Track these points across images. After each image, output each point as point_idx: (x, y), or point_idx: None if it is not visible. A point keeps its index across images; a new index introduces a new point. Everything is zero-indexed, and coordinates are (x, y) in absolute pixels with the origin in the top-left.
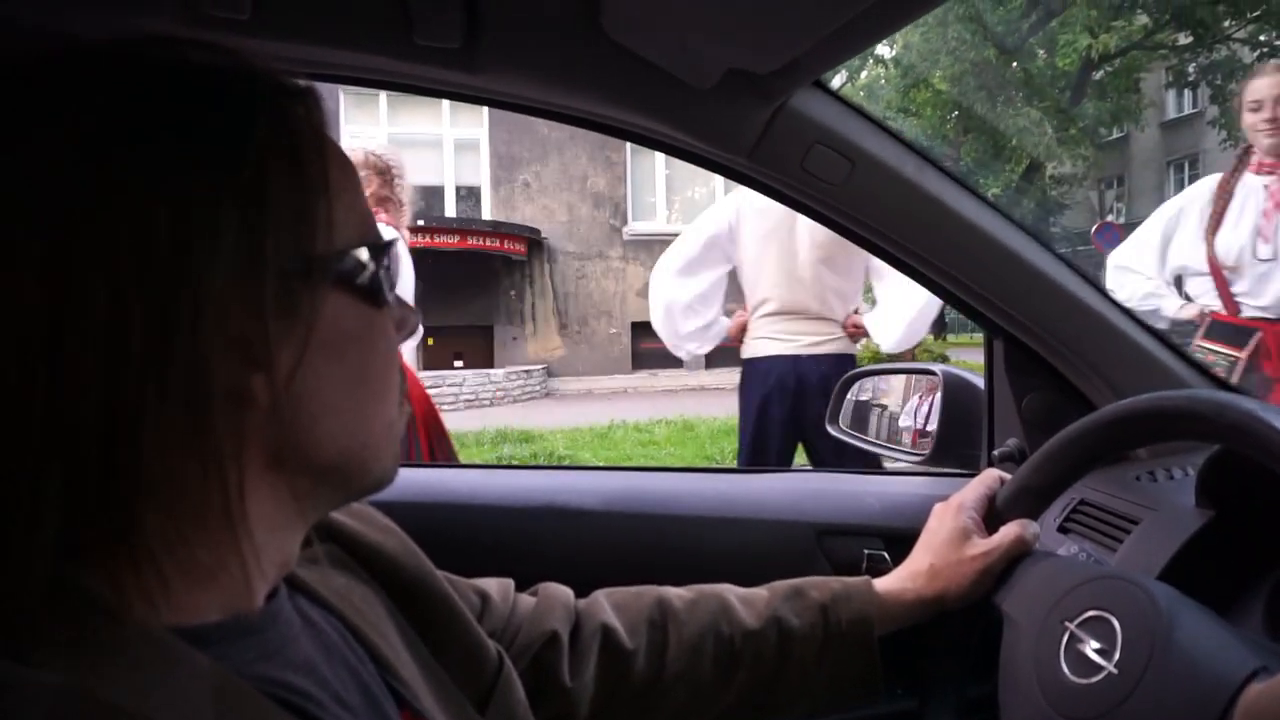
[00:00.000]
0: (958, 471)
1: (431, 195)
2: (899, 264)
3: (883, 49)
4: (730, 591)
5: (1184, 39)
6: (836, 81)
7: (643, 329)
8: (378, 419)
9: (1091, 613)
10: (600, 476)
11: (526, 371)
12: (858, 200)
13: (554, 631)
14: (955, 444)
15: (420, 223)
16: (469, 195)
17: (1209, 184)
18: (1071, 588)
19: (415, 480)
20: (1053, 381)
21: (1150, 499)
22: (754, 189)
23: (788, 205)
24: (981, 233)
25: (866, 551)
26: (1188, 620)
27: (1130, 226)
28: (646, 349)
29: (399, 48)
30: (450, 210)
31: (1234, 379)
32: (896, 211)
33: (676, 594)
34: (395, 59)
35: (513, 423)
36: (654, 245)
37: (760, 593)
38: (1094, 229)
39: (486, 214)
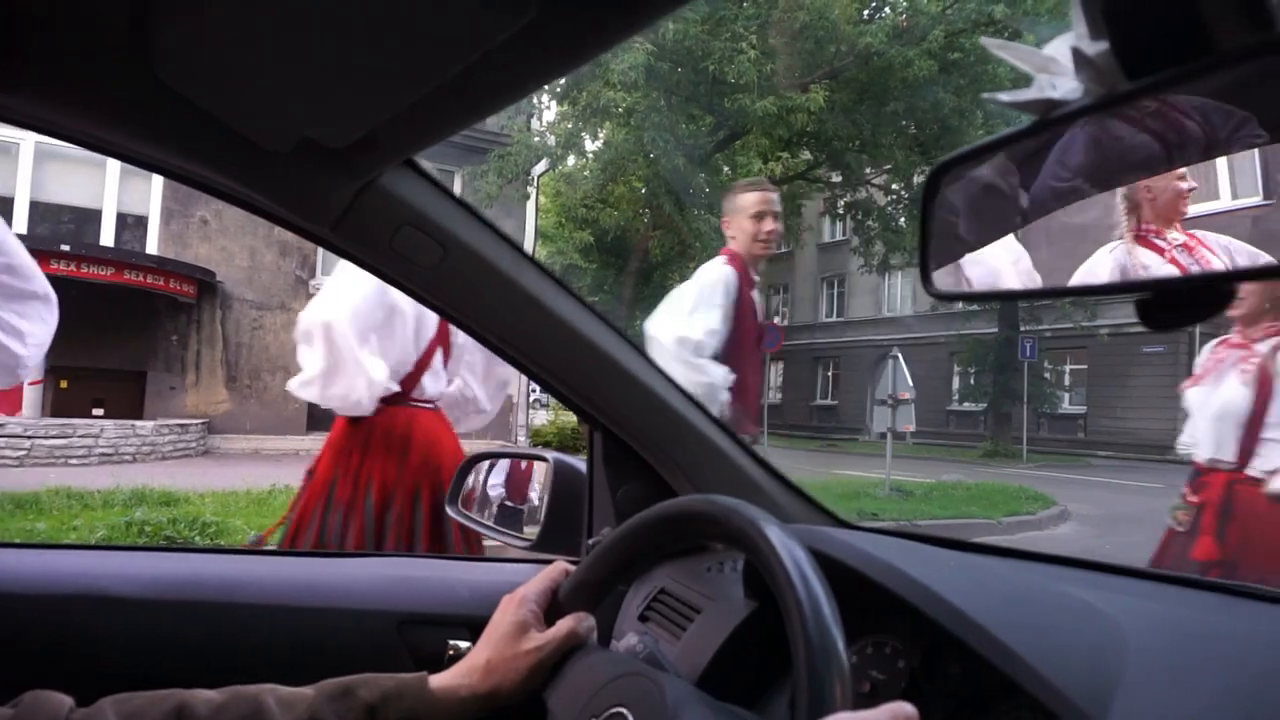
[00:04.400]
0: (556, 559)
1: (85, 220)
2: (499, 351)
3: (587, 143)
4: (271, 693)
5: (836, 177)
6: (539, 167)
7: None
8: None
9: (614, 709)
10: (155, 558)
11: (182, 426)
12: (450, 285)
13: None
14: (562, 531)
15: (65, 248)
16: (135, 225)
17: None
18: (604, 684)
19: None
20: (644, 473)
21: (712, 589)
22: (345, 259)
23: (381, 279)
24: (573, 330)
25: (451, 643)
26: (691, 716)
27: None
28: (323, 409)
29: None
30: (108, 239)
31: None
32: (490, 302)
33: (205, 698)
34: None
35: (159, 482)
36: None
37: (305, 693)
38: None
39: (153, 248)
